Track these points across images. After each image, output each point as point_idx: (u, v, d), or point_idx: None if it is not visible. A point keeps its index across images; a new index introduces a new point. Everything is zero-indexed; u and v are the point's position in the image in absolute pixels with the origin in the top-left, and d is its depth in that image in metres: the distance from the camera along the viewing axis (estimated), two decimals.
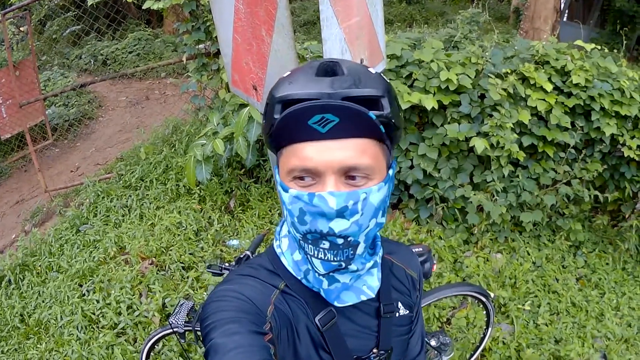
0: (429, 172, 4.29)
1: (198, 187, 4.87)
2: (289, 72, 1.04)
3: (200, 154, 4.09)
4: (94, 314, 3.79)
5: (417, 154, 4.31)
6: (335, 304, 1.12)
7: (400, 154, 4.39)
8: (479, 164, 4.43)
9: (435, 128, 4.31)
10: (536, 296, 4.07)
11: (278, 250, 1.20)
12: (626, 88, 4.26)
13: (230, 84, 2.02)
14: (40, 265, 4.43)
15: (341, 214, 0.94)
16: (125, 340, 3.60)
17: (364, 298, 1.14)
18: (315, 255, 1.01)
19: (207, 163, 4.17)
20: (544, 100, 4.22)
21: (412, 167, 4.37)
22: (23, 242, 4.80)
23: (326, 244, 0.99)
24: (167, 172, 5.27)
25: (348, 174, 0.95)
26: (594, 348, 3.67)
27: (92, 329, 3.73)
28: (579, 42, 4.65)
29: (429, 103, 4.02)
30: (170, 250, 4.30)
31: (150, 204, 4.92)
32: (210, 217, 4.70)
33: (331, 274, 1.05)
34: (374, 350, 1.22)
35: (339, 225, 0.95)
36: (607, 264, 4.55)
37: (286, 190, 1.00)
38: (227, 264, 2.39)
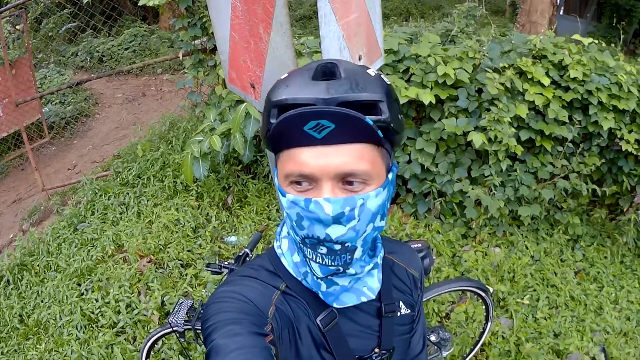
0: (426, 167, 4.28)
1: (195, 184, 4.86)
2: (286, 74, 1.03)
3: (197, 151, 4.08)
4: (93, 313, 3.79)
5: (414, 148, 4.30)
6: (335, 305, 1.12)
7: (398, 148, 4.38)
8: (477, 159, 4.43)
9: (432, 123, 4.30)
10: (535, 290, 4.07)
11: (278, 251, 1.19)
12: (624, 82, 4.25)
13: (227, 81, 2.01)
14: (38, 265, 4.42)
15: (337, 220, 0.94)
16: (124, 339, 3.59)
17: (364, 299, 1.14)
18: (314, 259, 1.01)
19: (204, 159, 4.16)
20: (541, 94, 4.21)
21: (409, 161, 4.37)
22: (21, 241, 4.78)
23: (323, 249, 0.99)
24: (164, 169, 5.25)
25: (345, 179, 0.94)
26: (593, 342, 3.67)
27: (91, 329, 3.72)
28: (576, 36, 4.64)
29: (427, 98, 4.02)
30: (169, 247, 4.30)
31: (147, 201, 4.91)
32: (208, 213, 4.70)
33: (329, 277, 1.05)
34: (376, 350, 1.22)
35: (335, 232, 0.95)
36: (605, 257, 4.55)
37: (284, 195, 1.00)
38: (226, 263, 2.38)
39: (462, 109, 4.21)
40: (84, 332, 3.67)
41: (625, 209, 4.61)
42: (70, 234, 4.68)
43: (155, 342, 2.71)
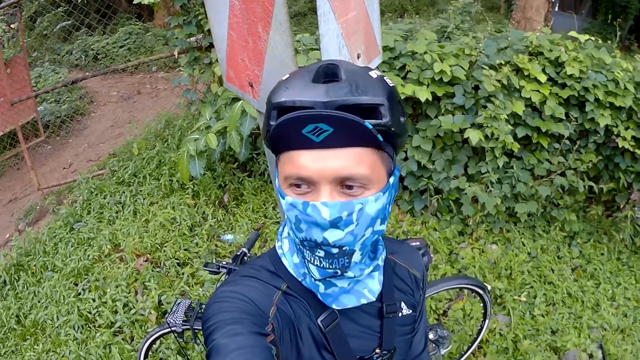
0: (423, 164, 4.28)
1: (191, 182, 4.85)
2: (287, 75, 1.02)
3: (193, 149, 4.07)
4: (90, 313, 3.77)
5: (411, 145, 4.30)
6: (334, 306, 1.12)
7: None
8: (474, 155, 4.43)
9: (429, 120, 4.30)
10: (532, 287, 4.08)
11: (279, 251, 1.19)
12: (620, 79, 4.25)
13: (224, 80, 2.00)
14: (35, 265, 4.41)
15: (335, 224, 0.93)
16: (122, 339, 3.58)
17: (364, 302, 1.14)
18: (312, 261, 1.01)
19: (200, 158, 4.15)
20: (538, 91, 4.21)
21: (406, 158, 4.37)
22: (17, 241, 4.78)
23: (321, 252, 0.98)
24: (160, 167, 5.24)
25: (344, 183, 0.93)
26: (590, 338, 3.68)
27: (88, 329, 3.71)
28: (572, 33, 4.64)
29: (423, 95, 4.01)
30: (165, 246, 4.29)
31: (143, 200, 4.90)
32: (204, 212, 4.69)
33: (328, 279, 1.05)
34: (377, 351, 1.22)
35: (333, 236, 0.94)
36: (602, 254, 4.56)
37: (283, 197, 0.99)
38: (224, 262, 2.37)
39: (459, 106, 4.21)
40: (81, 333, 3.66)
41: (621, 206, 4.61)
42: (67, 234, 4.67)
43: (154, 342, 2.70)
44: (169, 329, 2.48)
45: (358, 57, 1.86)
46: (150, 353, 2.75)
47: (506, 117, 4.10)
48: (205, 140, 4.03)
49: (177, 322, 2.43)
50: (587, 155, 4.39)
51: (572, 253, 4.49)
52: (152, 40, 10.70)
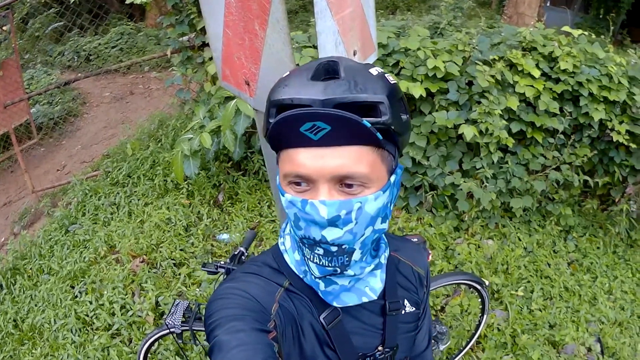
0: (418, 160, 4.28)
1: (186, 182, 4.84)
2: (287, 73, 1.01)
3: (187, 149, 4.06)
4: (88, 316, 3.76)
5: None
6: (334, 304, 1.11)
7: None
8: (468, 151, 4.43)
9: (423, 116, 4.30)
10: (529, 282, 4.08)
11: (282, 248, 1.19)
12: (614, 73, 4.26)
13: (220, 78, 1.99)
14: (31, 268, 4.38)
15: (333, 223, 0.92)
16: (120, 341, 3.56)
17: (365, 300, 1.13)
18: (311, 259, 1.01)
19: (194, 157, 4.14)
20: (532, 86, 4.22)
21: (400, 155, 4.36)
22: (12, 245, 4.75)
23: (320, 250, 0.98)
24: (155, 167, 5.23)
25: (343, 181, 0.92)
26: (588, 332, 3.69)
27: (86, 331, 3.69)
28: (566, 28, 4.64)
29: (417, 91, 4.01)
30: (161, 247, 4.28)
31: (138, 200, 4.89)
32: (199, 211, 4.68)
33: (328, 277, 1.04)
34: (379, 348, 1.21)
35: (331, 234, 0.94)
36: (597, 248, 4.56)
37: (283, 194, 0.99)
38: (222, 262, 2.36)
39: (453, 101, 4.21)
40: (79, 336, 3.63)
41: (617, 200, 4.62)
42: (62, 236, 4.65)
43: (152, 344, 2.70)
44: (168, 331, 2.47)
45: (354, 54, 1.86)
46: (149, 355, 2.74)
47: (500, 112, 4.10)
48: (200, 139, 4.02)
49: (176, 323, 2.42)
50: (582, 150, 4.39)
51: (568, 247, 4.50)
52: (144, 41, 10.66)
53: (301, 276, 1.13)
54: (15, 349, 3.72)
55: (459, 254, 4.15)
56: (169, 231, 4.43)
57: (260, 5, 1.48)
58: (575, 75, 4.27)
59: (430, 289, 2.92)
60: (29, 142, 6.59)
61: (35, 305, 3.97)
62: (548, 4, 13.11)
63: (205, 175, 4.93)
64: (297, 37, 4.45)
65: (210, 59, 4.66)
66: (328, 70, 0.95)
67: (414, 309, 1.29)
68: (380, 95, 0.90)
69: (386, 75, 0.98)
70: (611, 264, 4.43)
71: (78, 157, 6.95)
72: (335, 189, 0.93)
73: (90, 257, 4.26)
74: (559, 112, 4.26)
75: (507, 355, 3.46)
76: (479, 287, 3.01)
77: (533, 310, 3.84)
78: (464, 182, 4.20)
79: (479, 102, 4.14)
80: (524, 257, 4.28)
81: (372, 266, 1.09)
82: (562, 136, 4.34)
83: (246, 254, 2.45)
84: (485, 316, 3.20)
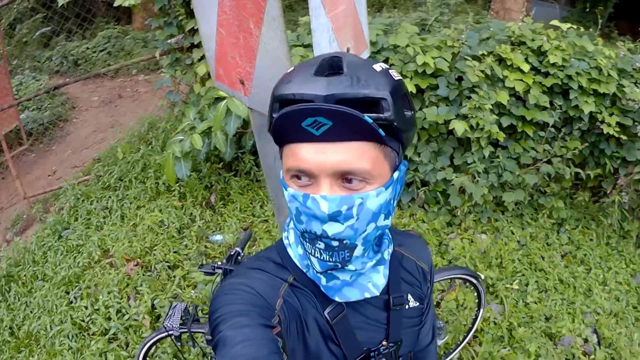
0: (409, 157, 4.29)
1: (178, 184, 4.83)
2: (292, 68, 1.01)
3: (178, 150, 4.05)
4: (84, 321, 3.73)
5: None
6: (337, 299, 1.12)
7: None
8: (459, 146, 4.44)
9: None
10: (523, 275, 4.10)
11: (286, 242, 1.19)
12: (603, 66, 4.27)
13: (213, 78, 1.98)
14: (25, 275, 4.35)
15: (334, 218, 0.93)
16: (117, 345, 3.54)
17: (367, 295, 1.13)
18: (313, 254, 1.01)
19: (186, 159, 4.14)
20: (521, 80, 4.24)
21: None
22: (6, 252, 4.73)
23: (321, 245, 0.98)
24: (146, 170, 5.22)
25: (345, 177, 0.92)
26: (584, 323, 3.70)
27: (83, 337, 3.66)
28: (554, 22, 4.66)
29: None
30: (155, 249, 4.26)
31: (130, 204, 4.87)
32: (192, 213, 4.67)
33: (329, 271, 1.05)
34: (384, 343, 1.22)
35: (332, 229, 0.94)
36: (590, 239, 4.59)
37: (285, 188, 1.00)
38: (219, 263, 2.36)
39: (443, 97, 4.22)
40: (75, 341, 3.61)
41: (608, 191, 4.64)
42: (55, 242, 4.62)
43: (150, 347, 2.69)
44: (166, 333, 2.47)
45: (348, 51, 1.86)
46: (147, 359, 2.74)
47: (491, 107, 4.11)
48: (190, 141, 4.02)
49: (174, 325, 2.42)
50: (573, 142, 4.41)
51: (561, 240, 4.52)
52: (132, 44, 10.62)
53: (304, 270, 1.13)
54: (12, 357, 3.69)
55: (452, 249, 4.16)
56: (162, 234, 4.42)
57: (255, 3, 1.48)
58: (565, 69, 4.28)
59: None
60: (20, 148, 6.56)
61: (31, 312, 3.95)
62: None
63: (196, 177, 4.92)
64: (288, 35, 4.45)
65: (200, 60, 4.65)
66: (332, 66, 0.95)
67: (417, 303, 1.30)
68: (383, 92, 0.90)
69: (390, 71, 0.97)
70: (605, 255, 4.45)
71: (69, 162, 6.92)
72: (337, 184, 0.93)
73: (84, 262, 4.24)
74: (549, 106, 4.28)
75: (505, 348, 3.47)
76: (475, 281, 3.02)
77: (529, 303, 3.85)
78: (456, 177, 4.21)
79: (469, 98, 4.15)
80: (517, 251, 4.29)
81: (374, 262, 1.10)
82: (552, 129, 4.35)
83: (242, 254, 2.45)
84: (481, 310, 3.21)
